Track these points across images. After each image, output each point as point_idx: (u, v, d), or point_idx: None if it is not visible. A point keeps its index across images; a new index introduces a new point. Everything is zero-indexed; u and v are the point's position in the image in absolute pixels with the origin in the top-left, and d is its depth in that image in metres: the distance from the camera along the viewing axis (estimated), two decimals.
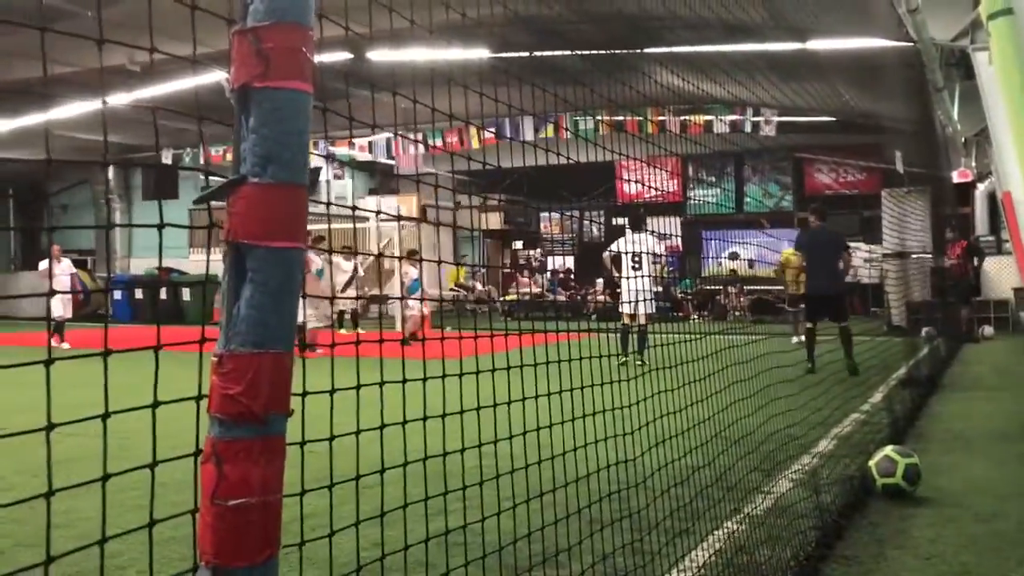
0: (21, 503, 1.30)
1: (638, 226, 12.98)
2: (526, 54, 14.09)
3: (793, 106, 17.93)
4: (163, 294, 23.34)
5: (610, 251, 12.97)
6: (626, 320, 12.10)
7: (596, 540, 3.48)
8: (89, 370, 1.37)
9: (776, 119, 17.96)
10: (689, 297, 24.03)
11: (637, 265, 11.89)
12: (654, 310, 12.51)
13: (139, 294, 24.02)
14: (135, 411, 1.33)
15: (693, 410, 4.40)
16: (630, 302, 11.94)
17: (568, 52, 14.27)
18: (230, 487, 1.26)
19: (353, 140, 20.96)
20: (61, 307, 15.11)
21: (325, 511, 1.79)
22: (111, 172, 25.94)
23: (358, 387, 1.79)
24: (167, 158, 22.94)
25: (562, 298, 24.54)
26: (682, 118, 17.79)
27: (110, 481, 1.33)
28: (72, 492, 1.33)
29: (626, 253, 11.98)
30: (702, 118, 17.80)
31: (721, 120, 17.75)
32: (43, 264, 15.86)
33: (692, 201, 26.31)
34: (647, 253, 11.44)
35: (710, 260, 25.24)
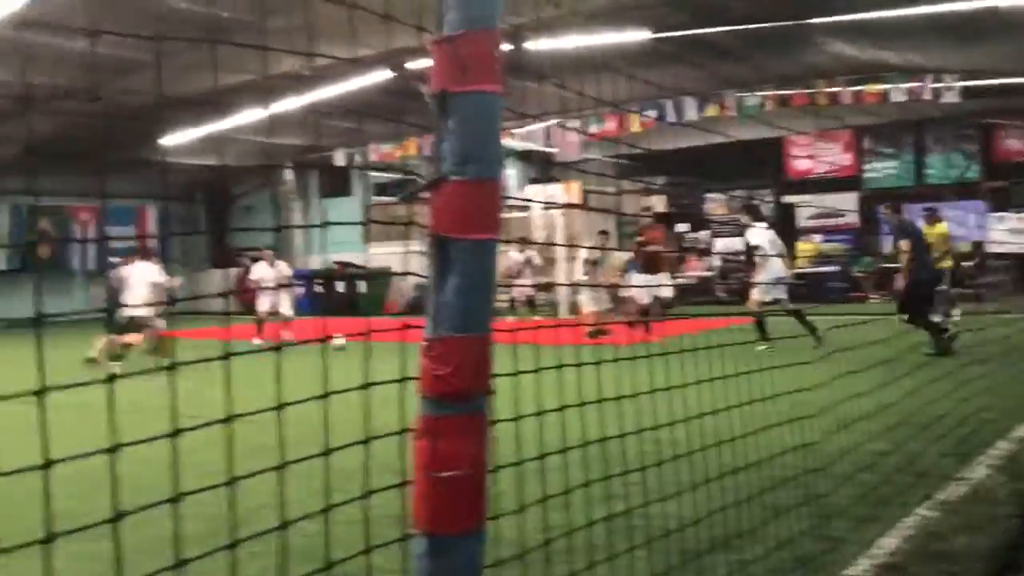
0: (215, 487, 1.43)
1: (758, 217, 13.13)
2: (686, 33, 13.83)
3: (979, 69, 16.75)
4: (340, 287, 24.48)
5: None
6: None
7: (776, 525, 3.43)
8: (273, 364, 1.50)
9: (959, 84, 16.82)
10: (867, 277, 22.92)
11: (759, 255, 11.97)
12: (770, 298, 11.95)
13: (319, 288, 25.29)
14: (342, 392, 1.46)
15: (877, 394, 4.24)
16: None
17: (730, 28, 13.91)
18: (443, 461, 1.37)
19: (512, 131, 21.25)
20: (268, 304, 15.82)
21: (509, 492, 1.88)
22: (289, 173, 27.43)
23: (521, 372, 1.86)
24: (339, 158, 23.99)
25: (731, 282, 23.96)
26: (855, 88, 16.98)
27: (294, 468, 1.47)
28: (257, 479, 1.47)
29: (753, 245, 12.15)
30: (877, 87, 16.91)
31: (898, 88, 16.80)
32: (256, 268, 16.36)
33: (869, 174, 25.07)
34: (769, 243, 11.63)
35: (890, 237, 24.01)
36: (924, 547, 3.75)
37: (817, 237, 24.52)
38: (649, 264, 14.46)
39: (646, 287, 13.57)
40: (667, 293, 14.08)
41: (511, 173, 26.56)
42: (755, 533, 3.25)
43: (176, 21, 13.13)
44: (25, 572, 1.39)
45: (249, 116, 18.92)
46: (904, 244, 10.44)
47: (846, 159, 25.35)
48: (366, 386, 1.50)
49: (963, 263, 18.20)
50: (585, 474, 2.22)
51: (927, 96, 16.84)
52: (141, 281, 12.63)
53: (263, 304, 15.51)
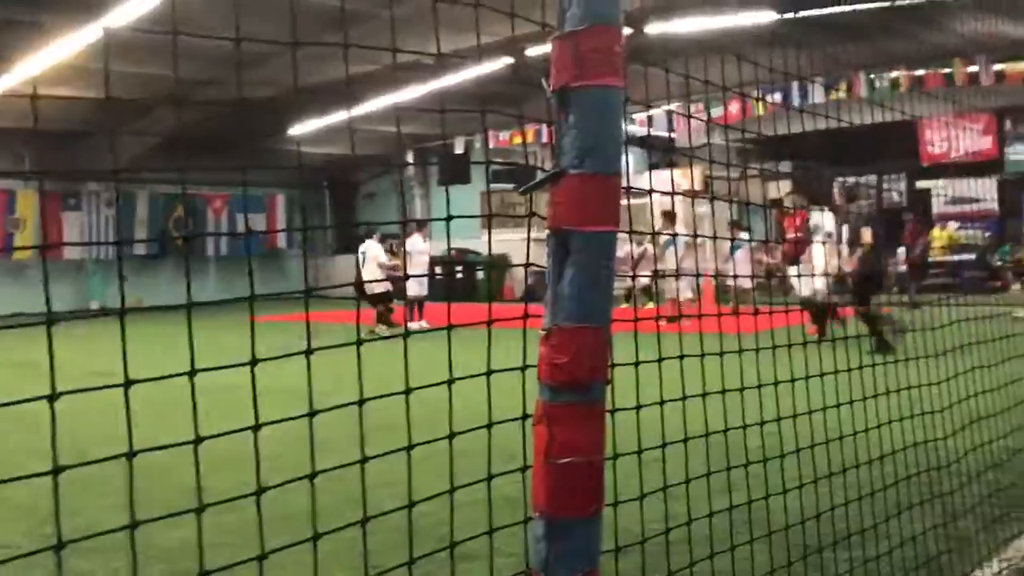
0: (342, 467, 1.52)
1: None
2: (815, 12, 13.40)
3: None
4: (459, 273, 24.88)
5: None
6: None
7: (898, 522, 3.33)
8: (398, 347, 1.57)
9: None
10: (1009, 265, 21.73)
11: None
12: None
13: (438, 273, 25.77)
14: (472, 378, 1.52)
15: (1012, 389, 4.05)
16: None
17: (860, 7, 13.39)
18: (560, 447, 1.42)
19: (632, 115, 21.06)
20: (417, 287, 16.05)
21: (630, 477, 1.91)
22: (411, 160, 28.02)
23: (650, 360, 1.88)
24: (459, 146, 24.34)
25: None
26: (996, 67, 16.08)
27: (418, 450, 1.54)
28: (388, 457, 1.55)
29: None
30: (1020, 66, 15.97)
31: None
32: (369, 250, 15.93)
33: (1012, 157, 23.72)
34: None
35: None
36: None
37: (953, 224, 23.38)
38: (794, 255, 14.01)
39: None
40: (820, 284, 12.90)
41: (630, 159, 26.31)
42: (877, 530, 3.17)
43: (303, 11, 13.57)
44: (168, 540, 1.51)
45: (371, 105, 19.40)
46: None
47: (985, 142, 24.06)
48: (488, 373, 1.56)
49: None
50: (706, 465, 2.22)
51: None
52: (371, 259, 14.18)
53: (413, 288, 15.65)
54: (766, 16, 13.76)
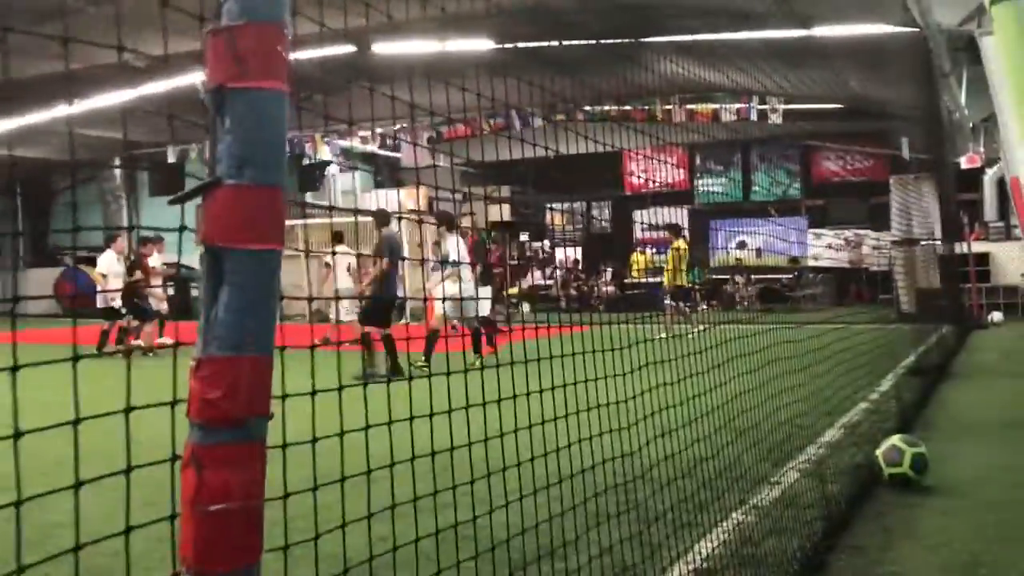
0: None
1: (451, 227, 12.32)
2: (530, 45, 14.05)
3: (799, 94, 17.83)
4: (172, 291, 23.39)
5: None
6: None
7: (600, 533, 3.47)
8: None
9: (782, 107, 17.86)
10: (697, 287, 23.93)
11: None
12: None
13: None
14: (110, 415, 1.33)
15: (699, 401, 4.37)
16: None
17: (572, 42, 14.22)
18: (211, 492, 1.25)
19: (358, 133, 20.94)
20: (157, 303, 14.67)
21: (333, 506, 1.79)
22: (117, 169, 26.01)
23: (340, 387, 1.78)
24: (172, 155, 22.96)
25: (571, 290, 24.49)
26: (688, 107, 17.72)
27: (91, 485, 1.32)
28: (65, 494, 1.32)
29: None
30: (708, 107, 17.71)
31: (727, 109, 17.65)
32: (103, 260, 14.49)
33: (700, 190, 26.24)
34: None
35: (718, 249, 25.18)
36: (737, 551, 3.90)
37: (650, 249, 25.43)
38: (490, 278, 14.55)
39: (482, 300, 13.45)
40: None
41: (356, 176, 26.15)
42: (579, 541, 3.27)
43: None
44: None
45: (71, 108, 17.80)
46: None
47: (680, 174, 26.43)
48: (127, 411, 1.36)
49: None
50: (413, 487, 2.16)
51: (754, 116, 17.78)
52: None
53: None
54: (485, 44, 14.23)
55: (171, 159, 22.87)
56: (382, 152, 24.85)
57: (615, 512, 3.64)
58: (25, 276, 26.33)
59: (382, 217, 10.68)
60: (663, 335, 4.31)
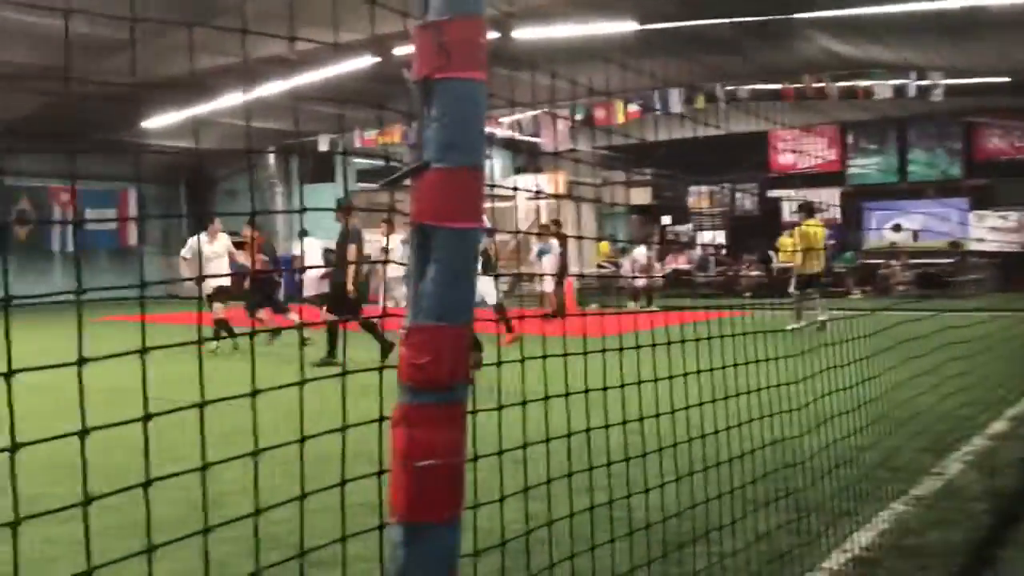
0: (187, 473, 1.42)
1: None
2: (674, 24, 13.82)
3: (962, 68, 16.84)
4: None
5: None
6: None
7: (753, 519, 3.45)
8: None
9: (944, 82, 16.90)
10: (849, 272, 23.03)
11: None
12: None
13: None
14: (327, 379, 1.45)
15: (858, 390, 4.26)
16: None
17: (716, 21, 13.90)
18: (420, 449, 1.36)
19: (499, 119, 21.18)
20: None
21: (488, 480, 1.87)
22: (271, 158, 27.27)
23: (500, 362, 1.85)
24: (323, 144, 23.85)
25: (714, 275, 24.04)
26: (840, 84, 17.04)
27: (272, 454, 1.45)
28: (230, 464, 1.45)
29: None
30: (863, 83, 16.97)
31: (882, 86, 16.87)
32: (191, 243, 14.55)
33: (853, 170, 25.20)
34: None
35: (871, 232, 24.14)
36: (898, 542, 3.78)
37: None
38: None
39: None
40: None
41: (496, 162, 26.48)
42: (734, 527, 3.26)
43: (163, 1, 13.01)
44: None
45: (231, 100, 18.77)
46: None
47: (831, 154, 25.46)
48: (343, 374, 1.49)
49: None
50: (568, 465, 2.22)
51: (912, 93, 16.91)
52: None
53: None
54: (628, 25, 14.10)
55: (323, 147, 23.76)
56: (522, 137, 25.06)
57: (770, 499, 3.61)
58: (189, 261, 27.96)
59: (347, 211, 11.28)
60: (797, 324, 4.22)
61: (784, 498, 3.66)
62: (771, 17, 12.53)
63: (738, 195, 27.56)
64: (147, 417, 1.27)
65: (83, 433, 1.20)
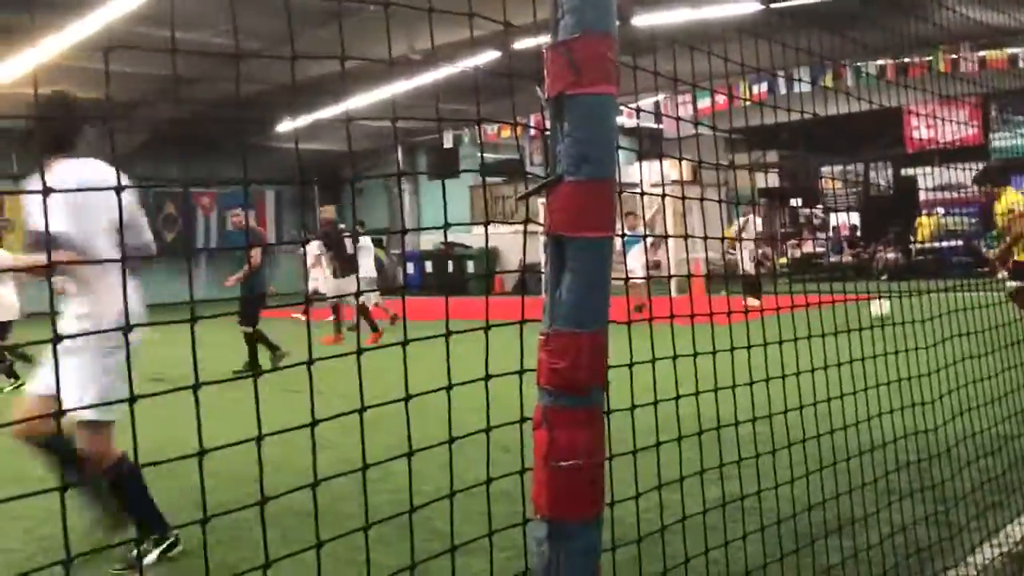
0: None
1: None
2: (800, 2, 13.42)
3: None
4: (449, 267, 24.90)
5: None
6: None
7: (894, 511, 3.36)
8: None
9: None
10: (996, 252, 21.78)
11: None
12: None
13: (428, 267, 25.78)
14: (471, 383, 1.53)
15: (1007, 376, 4.08)
16: None
17: None
18: (561, 450, 1.43)
19: (621, 107, 21.00)
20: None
21: (622, 472, 1.92)
22: (400, 155, 28.00)
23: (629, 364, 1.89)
24: (448, 141, 24.31)
25: (848, 258, 23.20)
26: (980, 54, 16.15)
27: (417, 441, 1.54)
28: (380, 453, 1.55)
29: None
30: (1005, 52, 16.04)
31: None
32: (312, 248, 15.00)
33: (996, 144, 23.85)
34: None
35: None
36: None
37: (940, 210, 23.49)
38: None
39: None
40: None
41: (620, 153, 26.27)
42: (869, 520, 3.20)
43: (296, 7, 13.52)
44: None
45: (359, 100, 19.35)
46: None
47: (971, 128, 24.17)
48: (486, 378, 1.57)
49: None
50: (700, 457, 2.24)
51: None
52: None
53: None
54: (750, 6, 13.77)
55: (447, 144, 24.23)
56: (645, 125, 24.81)
57: (910, 491, 3.51)
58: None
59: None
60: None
61: (925, 491, 3.55)
62: None
63: (871, 174, 26.51)
64: (313, 423, 1.38)
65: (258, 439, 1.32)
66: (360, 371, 1.46)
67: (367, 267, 14.51)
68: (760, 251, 22.84)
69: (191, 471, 1.36)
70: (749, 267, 15.07)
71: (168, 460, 1.33)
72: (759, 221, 18.44)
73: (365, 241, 14.67)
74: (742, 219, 14.94)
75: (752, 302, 12.57)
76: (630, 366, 1.78)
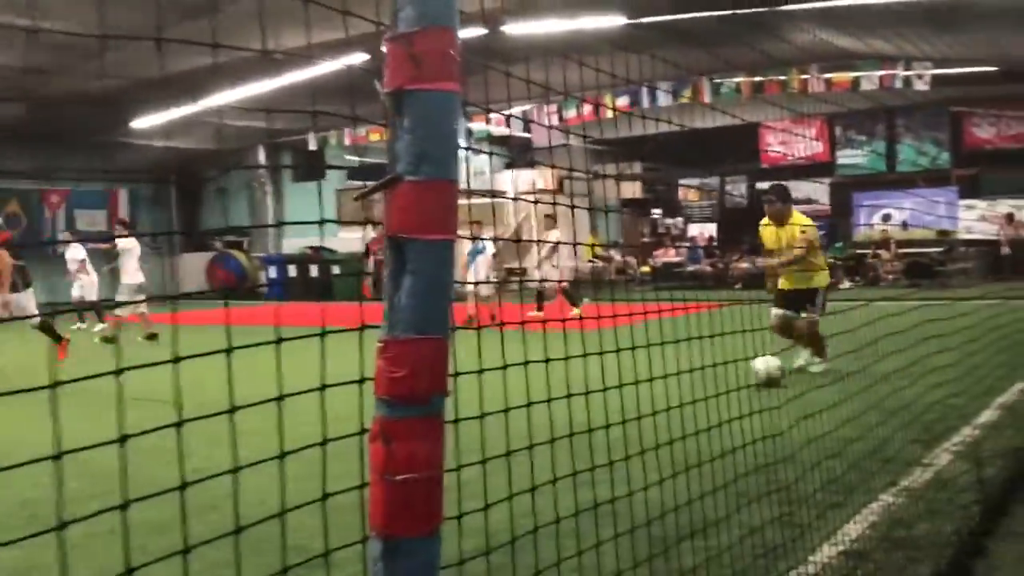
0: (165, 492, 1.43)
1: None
2: (662, 19, 13.83)
3: (949, 58, 16.88)
4: (314, 272, 24.34)
5: None
6: None
7: (745, 513, 3.46)
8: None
9: (930, 72, 16.94)
10: (840, 263, 23.08)
11: None
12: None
13: (292, 272, 25.13)
14: (304, 393, 1.45)
15: (846, 382, 4.28)
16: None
17: (705, 14, 13.91)
18: (398, 463, 1.36)
19: (489, 115, 21.14)
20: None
21: (477, 481, 1.87)
22: (261, 156, 27.21)
23: (504, 367, 1.85)
24: (312, 142, 23.80)
25: (707, 268, 24.06)
26: (826, 76, 17.05)
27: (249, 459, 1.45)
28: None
29: None
30: (849, 75, 17.00)
31: (868, 77, 16.89)
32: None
33: (842, 161, 25.26)
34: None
35: (861, 224, 24.23)
36: (887, 534, 3.80)
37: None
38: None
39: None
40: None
41: (485, 159, 26.44)
42: (726, 522, 3.27)
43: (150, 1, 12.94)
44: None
45: (219, 99, 18.72)
46: None
47: (819, 146, 25.51)
48: (322, 388, 1.48)
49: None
50: (552, 468, 2.22)
51: (898, 84, 16.95)
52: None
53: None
54: (616, 20, 14.10)
55: (312, 146, 23.73)
56: (515, 133, 25.04)
57: (760, 493, 3.62)
58: (182, 260, 27.92)
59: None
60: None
61: (773, 493, 3.67)
62: (758, 10, 12.53)
63: (727, 187, 27.61)
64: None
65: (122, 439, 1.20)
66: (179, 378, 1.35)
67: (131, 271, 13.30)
68: (624, 259, 23.39)
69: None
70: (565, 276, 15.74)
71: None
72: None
73: (126, 243, 13.38)
74: (555, 232, 15.07)
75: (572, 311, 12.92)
76: (479, 372, 1.73)
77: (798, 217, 8.64)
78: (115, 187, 25.92)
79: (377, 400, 1.41)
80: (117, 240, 13.46)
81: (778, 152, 24.73)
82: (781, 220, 8.42)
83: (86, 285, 14.90)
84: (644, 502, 2.66)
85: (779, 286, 8.25)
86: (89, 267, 15.09)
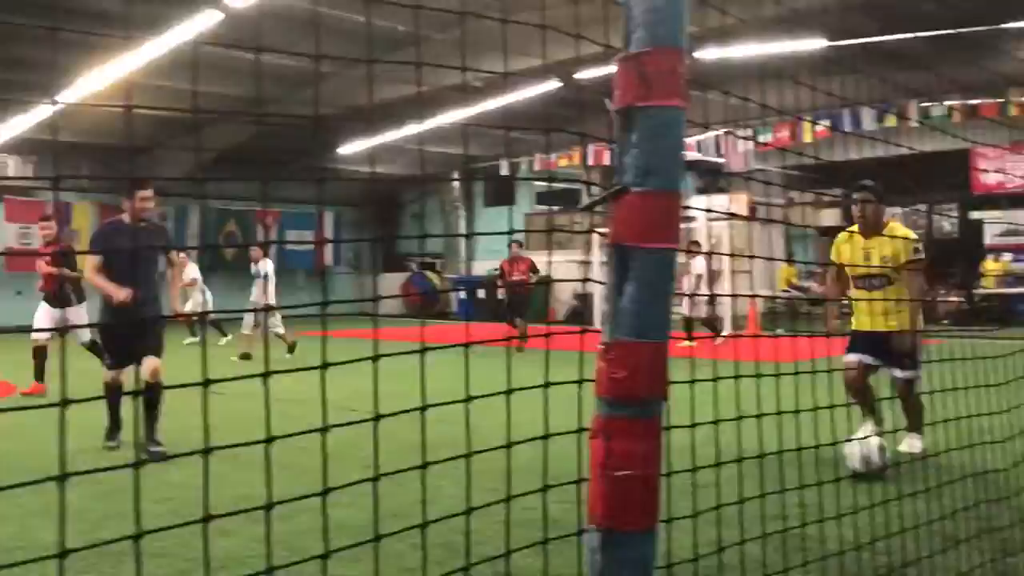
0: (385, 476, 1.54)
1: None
2: (866, 40, 13.30)
3: None
4: (500, 294, 24.89)
5: None
6: None
7: (950, 556, 3.27)
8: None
9: None
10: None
11: None
12: None
13: (481, 294, 25.83)
14: (529, 389, 1.54)
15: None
16: None
17: (913, 35, 13.26)
18: (618, 459, 1.43)
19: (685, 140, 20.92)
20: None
21: (684, 489, 1.90)
22: (455, 183, 28.26)
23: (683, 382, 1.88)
24: (504, 168, 24.48)
25: None
26: None
27: (476, 465, 1.54)
28: (438, 472, 1.56)
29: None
30: None
31: None
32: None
33: None
34: None
35: None
36: None
37: (1007, 256, 22.96)
38: None
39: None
40: None
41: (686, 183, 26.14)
42: (928, 563, 3.11)
43: (358, 33, 13.82)
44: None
45: (419, 127, 19.59)
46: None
47: None
48: (546, 385, 1.58)
49: None
50: (760, 488, 2.20)
51: None
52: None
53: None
54: (817, 43, 13.68)
55: (504, 171, 24.41)
56: (706, 158, 24.72)
57: (970, 536, 3.41)
58: (381, 279, 29.35)
59: None
60: None
61: (985, 534, 3.44)
62: (972, 29, 11.82)
63: (935, 216, 26.01)
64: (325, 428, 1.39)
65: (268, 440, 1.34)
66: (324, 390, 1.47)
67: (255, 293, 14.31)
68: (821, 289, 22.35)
69: None
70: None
71: None
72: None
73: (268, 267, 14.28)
74: (699, 260, 14.83)
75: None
76: (691, 382, 1.77)
77: (897, 227, 6.38)
78: (322, 209, 27.60)
79: (598, 399, 1.49)
80: (262, 262, 14.37)
81: (994, 179, 23.09)
82: (875, 227, 6.22)
83: (196, 304, 15.65)
84: (830, 536, 2.59)
85: (859, 325, 5.69)
86: (202, 285, 15.93)
